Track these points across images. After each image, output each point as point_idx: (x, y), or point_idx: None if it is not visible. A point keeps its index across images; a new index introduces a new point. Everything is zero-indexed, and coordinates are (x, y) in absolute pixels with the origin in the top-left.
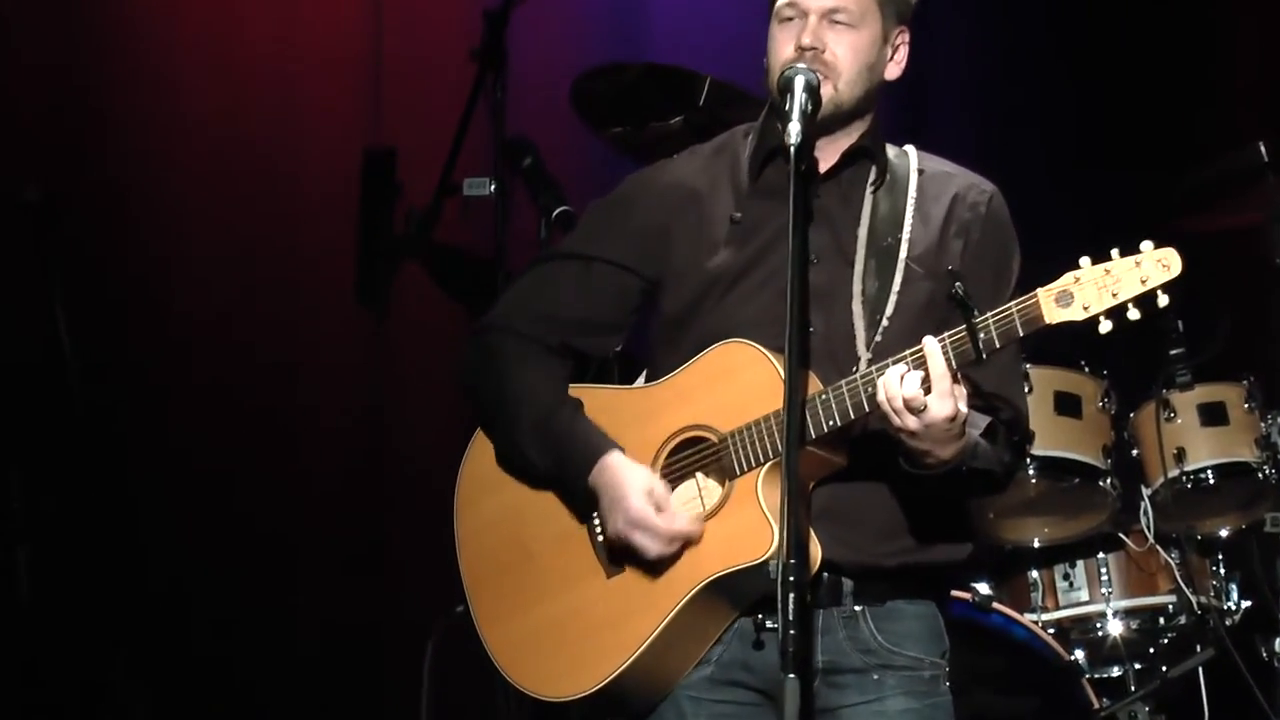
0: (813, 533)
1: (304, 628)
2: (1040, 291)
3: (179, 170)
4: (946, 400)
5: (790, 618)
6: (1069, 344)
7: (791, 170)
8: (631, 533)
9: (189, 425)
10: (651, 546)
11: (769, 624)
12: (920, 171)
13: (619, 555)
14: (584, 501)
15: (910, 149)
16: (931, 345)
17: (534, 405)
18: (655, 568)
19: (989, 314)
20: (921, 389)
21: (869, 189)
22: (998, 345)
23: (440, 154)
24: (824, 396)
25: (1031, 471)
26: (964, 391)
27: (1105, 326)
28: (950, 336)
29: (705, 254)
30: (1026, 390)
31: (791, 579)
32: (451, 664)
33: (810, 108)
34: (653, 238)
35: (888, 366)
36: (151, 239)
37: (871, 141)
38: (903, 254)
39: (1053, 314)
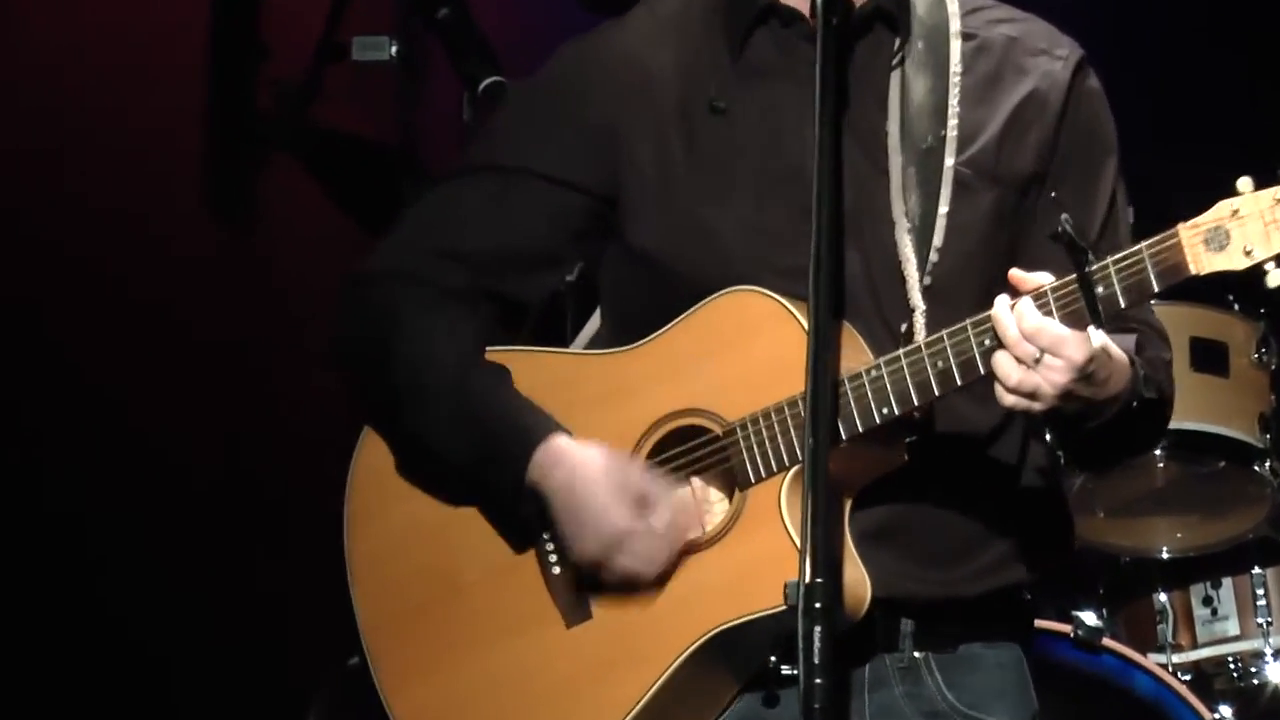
0: (859, 561)
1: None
2: (1183, 230)
3: None
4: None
5: (815, 661)
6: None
7: (820, 22)
8: (615, 557)
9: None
10: (644, 569)
11: (785, 670)
12: (966, 36)
13: (585, 590)
14: (522, 510)
15: None
16: (1030, 314)
17: (437, 372)
18: (638, 612)
19: (1109, 260)
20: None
21: (893, 64)
22: (1123, 304)
23: (320, 2)
24: (874, 373)
25: (1158, 450)
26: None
27: (1278, 278)
28: (1056, 291)
29: (676, 158)
30: None
31: (817, 606)
32: None
33: None
34: (599, 137)
35: (964, 332)
36: None
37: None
38: (949, 158)
39: (1201, 261)
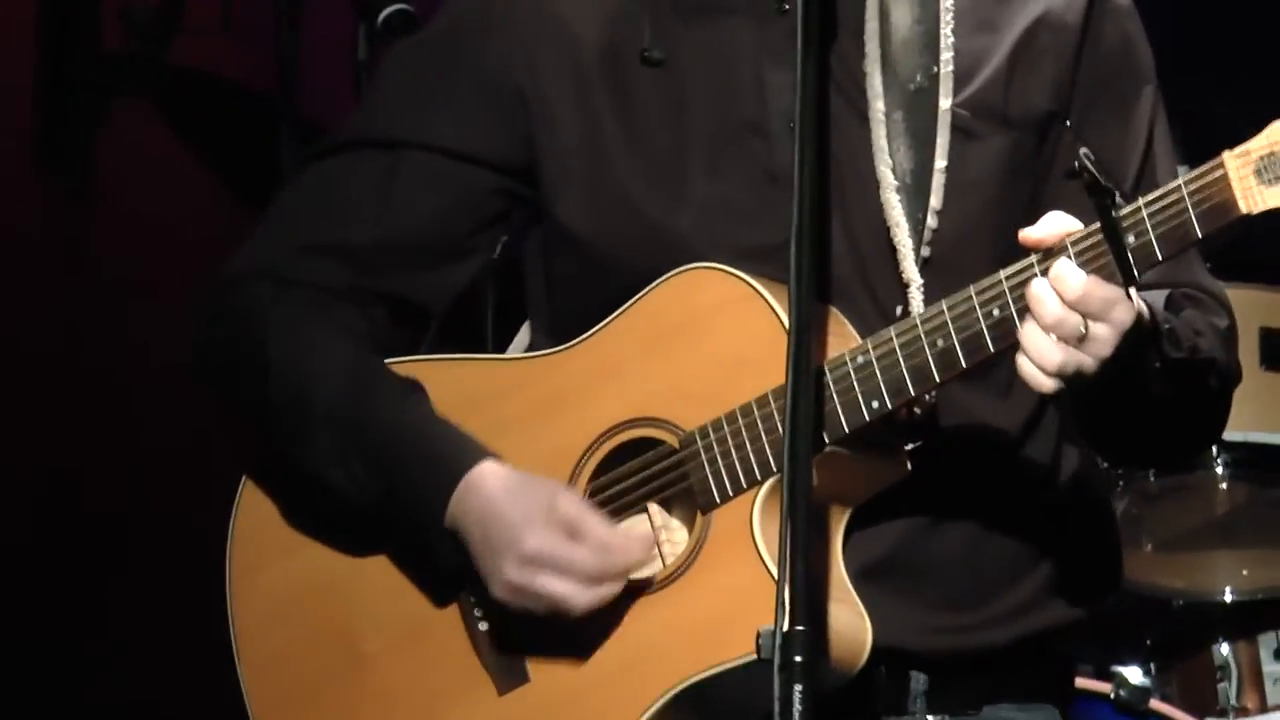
0: (856, 597)
1: None
2: (1229, 159)
3: None
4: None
5: None
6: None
7: None
8: (536, 578)
9: None
10: (570, 595)
11: None
12: None
13: (520, 647)
14: (445, 562)
15: None
16: (1072, 275)
17: (324, 390)
18: (585, 669)
19: (1140, 201)
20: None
21: None
22: (1160, 256)
23: None
24: (859, 359)
25: (1220, 467)
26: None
27: None
28: (1076, 245)
29: (606, 120)
30: None
31: (797, 659)
32: None
33: None
34: (507, 97)
35: (968, 300)
36: None
37: None
38: (944, 99)
39: (1253, 196)
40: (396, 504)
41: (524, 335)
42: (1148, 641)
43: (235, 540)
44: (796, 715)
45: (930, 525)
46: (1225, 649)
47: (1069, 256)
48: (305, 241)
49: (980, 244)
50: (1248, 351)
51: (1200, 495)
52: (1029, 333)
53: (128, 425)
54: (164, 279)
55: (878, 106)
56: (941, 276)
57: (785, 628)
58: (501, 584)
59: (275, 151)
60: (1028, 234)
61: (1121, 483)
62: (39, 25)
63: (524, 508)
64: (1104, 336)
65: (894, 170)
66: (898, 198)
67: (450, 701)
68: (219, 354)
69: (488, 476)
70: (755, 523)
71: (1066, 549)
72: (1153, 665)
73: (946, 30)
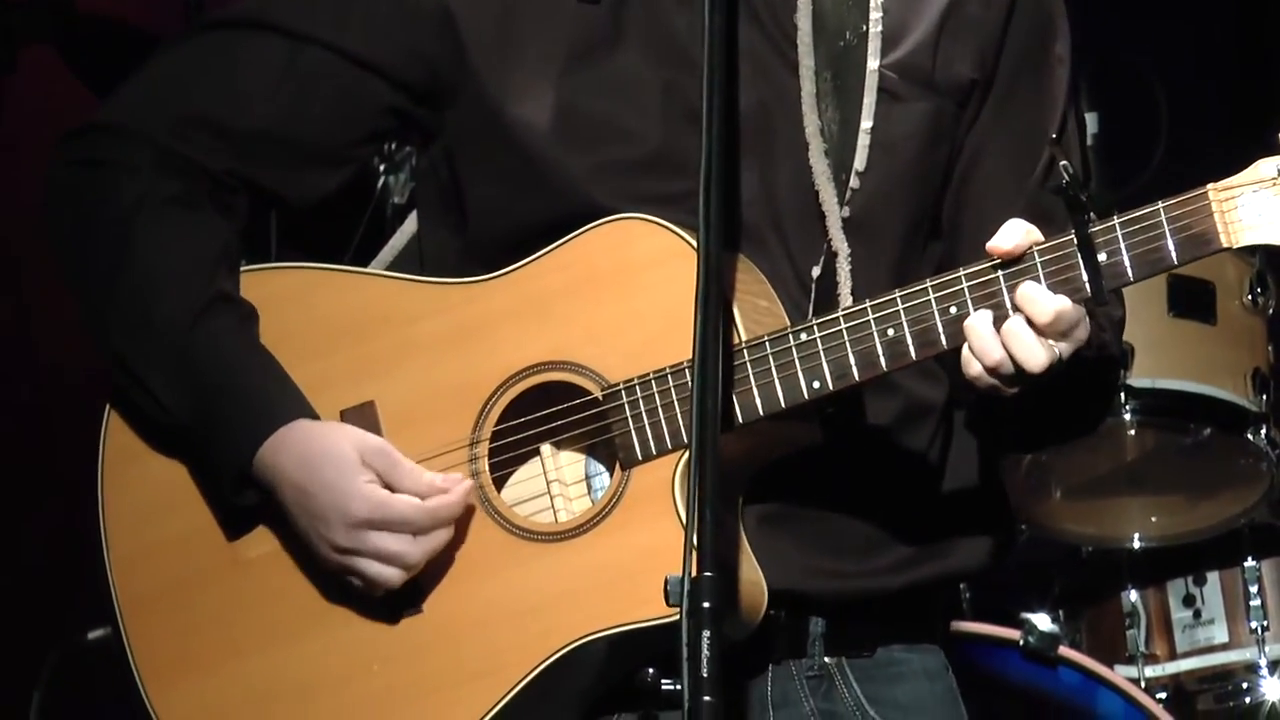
0: (754, 560)
1: None
2: (1213, 191)
3: None
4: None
5: (704, 674)
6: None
7: None
8: (364, 540)
9: None
10: (404, 550)
11: (666, 685)
12: None
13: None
14: (240, 497)
15: None
16: (1045, 300)
17: (166, 305)
18: (481, 607)
19: (1115, 220)
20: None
21: None
22: (1132, 277)
23: None
24: (803, 336)
25: (1128, 414)
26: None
27: None
28: (1044, 255)
29: (533, 53)
30: None
31: (705, 605)
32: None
33: None
34: (427, 18)
35: (924, 294)
36: None
37: None
38: (872, 59)
39: (1234, 232)
40: (203, 431)
41: (401, 237)
42: (1056, 588)
43: (110, 428)
44: (705, 661)
45: (828, 479)
46: (1134, 596)
47: (1038, 277)
48: (191, 111)
49: (897, 208)
50: (1155, 299)
51: (1109, 442)
52: (976, 326)
53: (33, 371)
54: None
55: (808, 63)
56: (860, 236)
57: (693, 574)
58: (331, 556)
59: None
60: (994, 245)
61: None
62: None
63: (342, 473)
64: (1061, 350)
65: (822, 131)
66: (825, 161)
67: (335, 621)
68: (79, 210)
69: (312, 435)
70: (677, 486)
71: (957, 506)
72: (1061, 612)
73: None
